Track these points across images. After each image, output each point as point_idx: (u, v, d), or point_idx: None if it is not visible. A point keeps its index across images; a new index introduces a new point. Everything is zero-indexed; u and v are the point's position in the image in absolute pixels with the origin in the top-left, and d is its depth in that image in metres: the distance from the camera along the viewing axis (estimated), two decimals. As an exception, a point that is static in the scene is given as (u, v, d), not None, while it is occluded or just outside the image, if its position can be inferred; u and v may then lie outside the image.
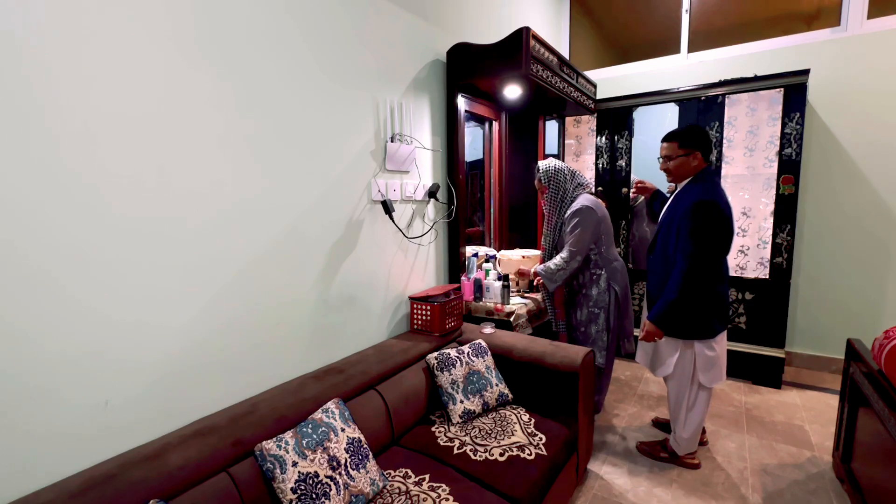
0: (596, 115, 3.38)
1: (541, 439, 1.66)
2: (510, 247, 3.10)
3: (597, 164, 3.45)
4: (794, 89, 2.71)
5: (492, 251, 2.79)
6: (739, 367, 2.95)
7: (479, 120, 2.91)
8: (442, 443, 1.64)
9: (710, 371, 1.94)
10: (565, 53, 3.96)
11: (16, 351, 0.99)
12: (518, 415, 1.81)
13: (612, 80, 3.64)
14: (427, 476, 1.44)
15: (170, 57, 1.23)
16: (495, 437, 1.66)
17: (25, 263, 1.00)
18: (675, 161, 1.93)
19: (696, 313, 1.89)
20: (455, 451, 1.58)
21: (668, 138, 1.97)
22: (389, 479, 1.43)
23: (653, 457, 2.14)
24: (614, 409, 2.62)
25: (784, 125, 2.75)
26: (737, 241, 2.95)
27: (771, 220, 2.84)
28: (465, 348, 1.94)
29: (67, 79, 1.04)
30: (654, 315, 1.91)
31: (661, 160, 2.00)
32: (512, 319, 2.29)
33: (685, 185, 1.95)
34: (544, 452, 1.60)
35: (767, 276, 2.88)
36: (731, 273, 2.93)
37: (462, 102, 2.43)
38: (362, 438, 1.40)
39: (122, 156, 1.14)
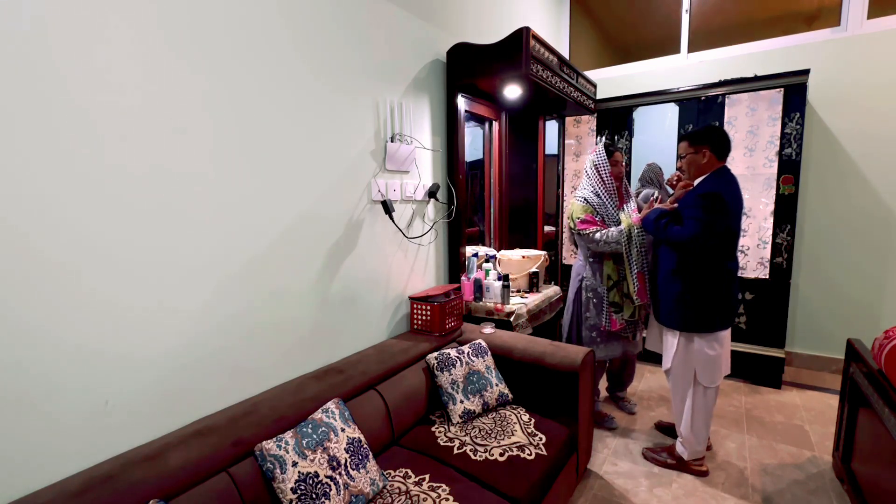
0: (596, 115, 3.38)
1: (541, 439, 1.66)
2: (510, 247, 3.10)
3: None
4: (793, 89, 2.71)
5: (492, 251, 2.78)
6: (739, 367, 2.94)
7: (479, 120, 2.91)
8: (442, 443, 1.64)
9: (708, 370, 1.93)
10: (565, 53, 3.95)
11: (15, 350, 0.99)
12: (518, 415, 1.80)
13: (612, 80, 3.64)
14: (427, 476, 1.44)
15: (169, 59, 1.23)
16: (495, 437, 1.66)
17: (26, 256, 1.00)
18: (687, 159, 2.01)
19: (695, 302, 1.90)
20: (455, 451, 1.58)
21: (681, 139, 2.07)
22: (389, 479, 1.43)
23: (659, 463, 2.10)
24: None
25: (784, 125, 2.75)
26: (737, 241, 2.95)
27: (771, 220, 2.84)
28: (465, 348, 1.94)
29: (61, 79, 1.04)
30: (646, 217, 2.06)
31: (678, 160, 2.09)
32: (512, 319, 2.29)
33: (699, 181, 1.99)
34: (544, 452, 1.60)
35: (767, 276, 2.87)
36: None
37: (462, 102, 2.43)
38: (362, 438, 1.40)
39: (123, 154, 1.14)
